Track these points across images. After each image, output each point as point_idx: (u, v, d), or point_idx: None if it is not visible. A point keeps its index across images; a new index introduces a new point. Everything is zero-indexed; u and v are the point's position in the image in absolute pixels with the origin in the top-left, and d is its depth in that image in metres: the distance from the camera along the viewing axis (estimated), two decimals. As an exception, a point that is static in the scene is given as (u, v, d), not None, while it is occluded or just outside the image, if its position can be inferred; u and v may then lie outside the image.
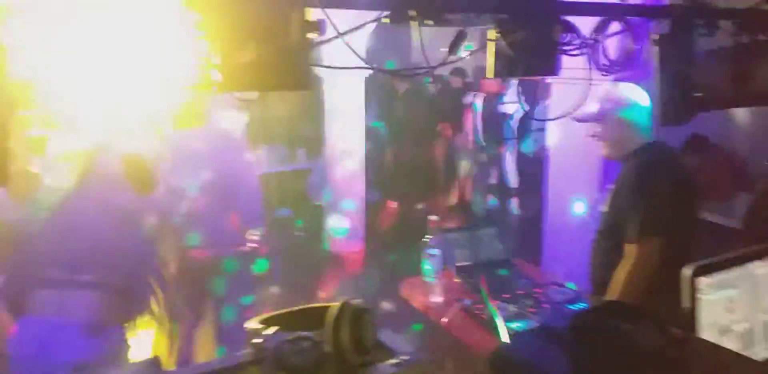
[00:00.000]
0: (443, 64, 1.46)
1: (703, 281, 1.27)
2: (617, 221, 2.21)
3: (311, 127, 6.62)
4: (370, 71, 5.11)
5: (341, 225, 5.61)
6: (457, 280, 2.82)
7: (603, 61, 1.74)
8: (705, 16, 1.88)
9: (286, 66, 1.28)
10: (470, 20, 1.54)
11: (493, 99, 6.65)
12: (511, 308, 2.45)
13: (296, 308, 0.99)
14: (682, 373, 0.91)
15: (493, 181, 7.08)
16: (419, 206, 7.00)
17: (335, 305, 0.91)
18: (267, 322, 0.99)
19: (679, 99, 1.80)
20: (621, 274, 2.13)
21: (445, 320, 2.49)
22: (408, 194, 7.19)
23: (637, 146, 2.23)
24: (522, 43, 1.57)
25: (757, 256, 1.38)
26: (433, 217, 2.84)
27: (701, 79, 1.88)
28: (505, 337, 2.03)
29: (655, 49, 1.88)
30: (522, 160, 6.60)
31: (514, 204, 7.08)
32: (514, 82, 6.66)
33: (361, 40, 5.02)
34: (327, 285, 5.02)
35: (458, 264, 2.91)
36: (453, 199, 7.17)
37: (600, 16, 1.71)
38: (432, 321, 2.65)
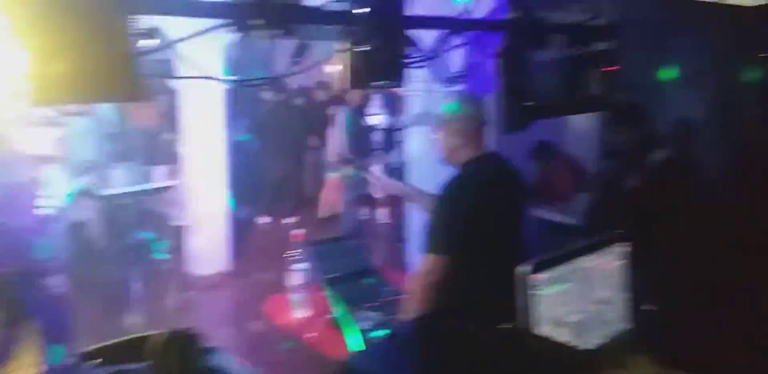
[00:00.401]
0: (287, 74, 1.44)
1: (538, 277, 1.35)
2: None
3: (168, 142, 6.31)
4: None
5: (205, 244, 5.38)
6: (324, 294, 2.79)
7: (445, 73, 1.80)
8: (539, 31, 2.03)
9: (110, 76, 1.19)
10: (321, 32, 1.54)
11: (358, 111, 6.75)
12: (376, 316, 2.47)
13: (122, 339, 0.91)
14: (514, 367, 0.95)
15: (361, 192, 7.17)
16: (289, 220, 6.92)
17: (162, 334, 0.85)
18: (93, 355, 0.90)
19: (517, 108, 1.91)
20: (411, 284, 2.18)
21: (311, 335, 2.46)
22: (278, 209, 7.09)
23: (469, 157, 2.22)
24: (370, 56, 1.59)
25: (587, 251, 1.49)
26: (298, 231, 2.80)
27: (537, 88, 2.01)
28: (356, 348, 2.03)
29: (496, 61, 1.99)
30: (388, 170, 6.76)
31: (382, 214, 7.22)
32: (378, 94, 6.85)
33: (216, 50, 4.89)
34: (189, 309, 4.79)
35: (325, 277, 2.88)
36: (323, 212, 7.17)
37: (441, 29, 1.79)
38: (298, 337, 2.59)
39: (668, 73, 6.07)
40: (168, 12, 1.27)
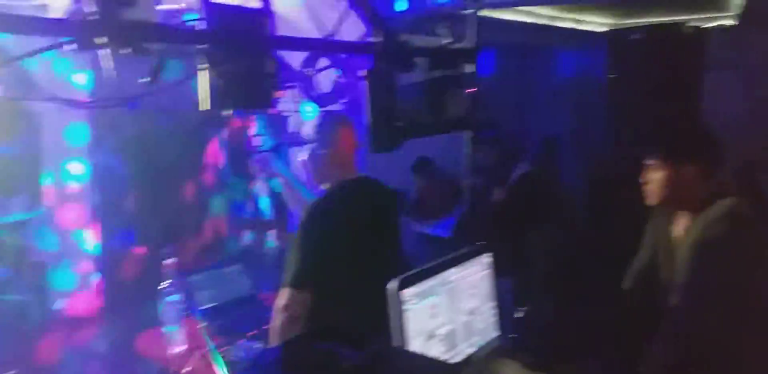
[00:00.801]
0: (141, 95, 1.38)
1: (407, 292, 1.38)
2: None
3: (27, 171, 5.82)
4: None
5: (72, 281, 4.97)
6: (201, 325, 2.68)
7: (314, 93, 1.82)
8: (403, 54, 2.10)
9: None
10: (176, 50, 1.49)
11: (240, 133, 6.62)
12: (257, 345, 2.41)
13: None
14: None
15: (248, 215, 7.00)
16: (165, 250, 6.58)
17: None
18: None
19: (384, 129, 1.96)
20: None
21: (186, 370, 2.34)
22: (155, 238, 6.72)
23: (338, 180, 2.22)
24: (232, 76, 1.57)
25: (453, 263, 1.55)
26: (170, 260, 2.68)
27: (404, 110, 2.08)
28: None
29: (365, 83, 2.04)
30: (275, 192, 6.66)
31: (271, 237, 7.07)
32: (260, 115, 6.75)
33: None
34: (51, 353, 4.39)
35: (201, 307, 2.76)
36: (206, 239, 6.90)
37: (308, 51, 1.80)
38: (175, 373, 2.46)
39: (529, 93, 6.51)
40: (10, 30, 1.18)
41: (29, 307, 5.08)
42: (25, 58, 1.19)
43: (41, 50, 1.19)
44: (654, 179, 1.92)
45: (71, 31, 1.23)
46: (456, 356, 1.53)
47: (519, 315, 1.84)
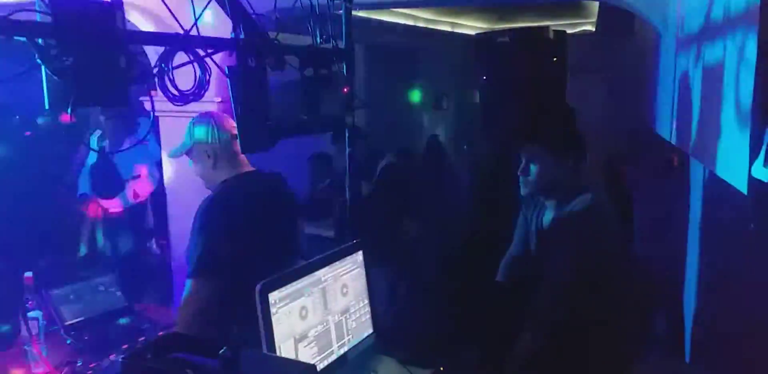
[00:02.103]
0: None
1: (274, 295, 1.33)
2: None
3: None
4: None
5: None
6: (68, 341, 2.49)
7: (172, 90, 1.72)
8: (270, 51, 2.04)
9: None
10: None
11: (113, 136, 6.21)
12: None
13: None
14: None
15: (124, 223, 6.60)
16: (34, 262, 6.08)
17: None
18: None
19: (255, 128, 1.90)
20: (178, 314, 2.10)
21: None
22: (14, 252, 6.18)
23: (225, 177, 2.18)
24: (74, 72, 1.44)
25: (323, 263, 1.52)
26: (28, 274, 2.45)
27: (275, 109, 2.03)
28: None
29: (230, 81, 1.96)
30: (157, 198, 6.33)
31: (154, 245, 6.73)
32: (144, 118, 6.39)
33: None
34: None
35: (67, 322, 2.56)
36: (83, 250, 6.44)
37: (164, 46, 1.70)
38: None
39: (408, 94, 6.65)
40: None
41: None
42: None
43: None
44: (533, 171, 2.03)
45: None
46: (329, 357, 1.50)
47: (391, 311, 1.85)
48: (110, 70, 1.56)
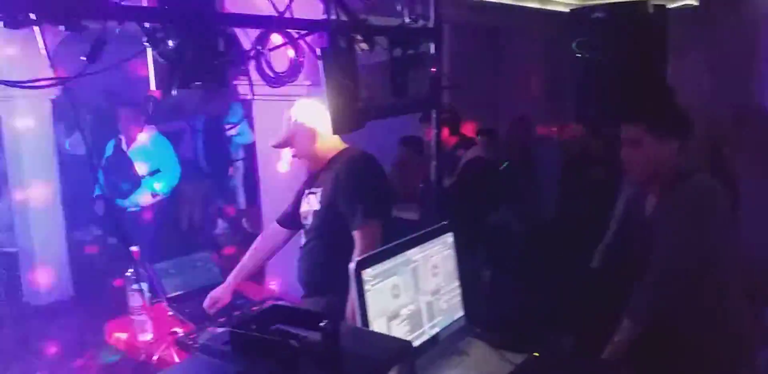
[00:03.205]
0: (81, 75, 1.31)
1: (367, 273, 1.35)
2: (330, 217, 2.29)
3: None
4: (57, 92, 4.56)
5: (42, 272, 4.88)
6: (169, 313, 2.64)
7: (269, 72, 1.76)
8: (362, 32, 2.05)
9: None
10: (114, 29, 1.41)
11: (214, 119, 6.49)
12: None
13: None
14: (334, 365, 0.93)
15: (223, 203, 6.93)
16: (141, 237, 6.49)
17: None
18: None
19: (345, 109, 1.91)
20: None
21: (155, 358, 2.30)
22: (123, 226, 6.61)
23: (332, 154, 2.32)
24: (177, 54, 1.50)
25: (414, 244, 1.52)
26: (134, 248, 2.61)
27: (364, 90, 2.03)
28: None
29: (322, 62, 1.98)
30: (249, 179, 6.59)
31: (245, 224, 7.01)
32: (237, 103, 6.64)
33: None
34: (25, 342, 4.32)
35: (169, 295, 2.71)
36: (182, 226, 6.83)
37: (260, 28, 1.74)
38: (144, 361, 2.42)
39: (495, 74, 6.46)
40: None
41: (4, 298, 5.01)
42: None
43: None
44: (635, 155, 1.92)
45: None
46: (421, 336, 1.51)
47: (485, 294, 1.83)
48: (210, 52, 1.61)
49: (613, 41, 2.69)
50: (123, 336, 2.51)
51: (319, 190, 2.40)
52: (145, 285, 2.51)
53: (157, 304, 2.62)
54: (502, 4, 5.49)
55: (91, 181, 4.99)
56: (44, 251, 4.86)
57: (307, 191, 2.47)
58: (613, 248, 2.14)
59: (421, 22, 2.33)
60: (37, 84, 1.30)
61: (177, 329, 2.42)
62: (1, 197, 5.22)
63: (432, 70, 2.28)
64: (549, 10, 6.20)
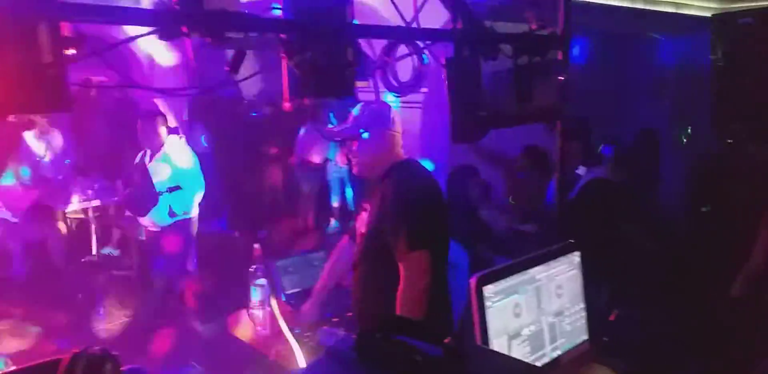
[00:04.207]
0: (222, 83, 1.39)
1: (488, 289, 1.31)
2: (376, 244, 2.16)
3: (130, 155, 6.17)
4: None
5: (170, 259, 5.25)
6: (285, 309, 2.73)
7: (393, 82, 1.77)
8: (486, 41, 2.01)
9: (36, 86, 1.14)
10: (253, 40, 1.49)
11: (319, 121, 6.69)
12: (340, 332, 2.41)
13: (26, 366, 0.84)
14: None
15: (335, 203, 7.11)
16: (258, 234, 6.81)
17: (66, 357, 0.78)
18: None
19: (467, 118, 1.89)
20: (400, 295, 2.07)
21: (273, 352, 2.39)
22: (243, 222, 6.97)
23: (389, 165, 2.16)
24: (311, 64, 1.55)
25: (538, 261, 1.46)
26: (257, 245, 2.73)
27: (488, 99, 1.99)
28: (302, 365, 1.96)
29: (446, 71, 1.97)
30: (360, 181, 6.71)
31: (359, 224, 7.12)
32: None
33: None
34: (154, 326, 4.65)
35: (287, 292, 2.81)
36: (298, 224, 7.09)
37: (387, 38, 1.76)
38: (261, 354, 2.53)
39: (624, 82, 6.14)
40: (94, 19, 1.21)
41: (139, 281, 5.44)
42: (118, 46, 1.22)
43: (131, 39, 1.22)
44: None
45: (154, 20, 1.26)
46: (541, 358, 1.44)
47: (611, 318, 1.72)
48: (340, 62, 1.65)
49: (759, 47, 2.47)
50: (243, 328, 2.64)
51: (369, 208, 2.29)
52: (265, 281, 2.62)
53: (275, 300, 2.72)
54: (633, 9, 5.22)
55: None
56: (174, 240, 5.22)
57: (365, 204, 2.36)
58: (759, 276, 1.94)
59: (548, 29, 2.25)
60: (183, 92, 1.40)
61: (293, 326, 2.50)
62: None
63: (560, 78, 2.19)
64: (684, 14, 5.81)
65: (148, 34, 1.24)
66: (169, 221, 4.27)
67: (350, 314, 2.57)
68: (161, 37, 1.25)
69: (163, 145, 4.20)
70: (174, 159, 4.22)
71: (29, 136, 5.44)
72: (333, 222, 7.05)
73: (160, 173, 4.18)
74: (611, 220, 2.74)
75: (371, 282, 2.23)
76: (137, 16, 1.25)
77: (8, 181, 5.09)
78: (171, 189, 4.12)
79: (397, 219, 2.06)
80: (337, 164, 6.82)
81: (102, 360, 0.78)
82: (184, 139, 4.39)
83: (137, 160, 4.40)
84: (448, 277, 2.29)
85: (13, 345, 3.99)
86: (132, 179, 4.26)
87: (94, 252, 5.86)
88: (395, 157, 2.19)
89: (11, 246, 5.24)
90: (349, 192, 6.92)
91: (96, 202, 5.60)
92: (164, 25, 1.24)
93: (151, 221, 4.26)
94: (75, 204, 5.45)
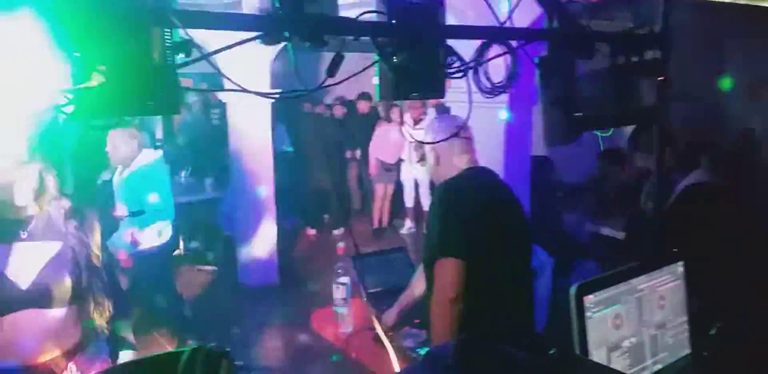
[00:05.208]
0: (320, 87, 1.41)
1: (589, 299, 1.26)
2: (428, 246, 2.15)
3: (217, 154, 6.43)
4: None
5: (254, 255, 5.43)
6: (368, 308, 2.76)
7: (485, 83, 1.74)
8: (582, 39, 1.95)
9: (148, 89, 1.20)
10: (349, 43, 1.50)
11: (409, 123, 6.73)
12: (423, 334, 2.41)
13: (145, 357, 0.88)
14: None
15: (409, 204, 7.13)
16: (336, 232, 6.93)
17: (186, 351, 0.82)
18: (118, 372, 0.88)
19: (562, 120, 1.83)
20: (431, 303, 2.07)
21: (356, 350, 2.42)
22: (323, 220, 7.11)
23: (458, 171, 2.20)
24: (405, 66, 1.55)
25: (639, 272, 1.40)
26: (341, 244, 2.78)
27: (583, 99, 1.93)
28: (396, 369, 1.97)
29: (539, 71, 1.92)
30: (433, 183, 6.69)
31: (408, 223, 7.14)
32: (431, 108, 6.82)
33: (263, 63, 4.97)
34: (238, 320, 4.82)
35: (369, 291, 2.84)
36: (373, 224, 7.17)
37: (481, 39, 1.73)
38: (344, 352, 2.56)
39: (725, 83, 5.79)
40: (202, 25, 1.26)
41: (220, 276, 5.66)
42: (220, 52, 1.26)
43: (233, 45, 1.26)
44: None
45: (258, 26, 1.29)
46: (642, 372, 1.38)
47: (713, 331, 1.62)
48: (432, 63, 1.64)
49: None
50: (326, 325, 2.69)
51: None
52: (347, 280, 2.66)
53: (356, 299, 2.75)
54: (733, 4, 4.91)
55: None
56: (258, 237, 5.40)
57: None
58: None
59: (647, 28, 2.15)
60: (291, 95, 1.43)
61: (375, 325, 2.52)
62: (225, 187, 5.91)
63: (660, 78, 2.09)
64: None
65: (253, 39, 1.28)
66: (132, 251, 3.59)
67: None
68: (264, 42, 1.29)
69: (133, 159, 3.66)
70: (144, 176, 3.64)
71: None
72: (407, 222, 7.07)
73: (124, 193, 3.67)
74: (714, 226, 2.59)
75: (428, 290, 2.21)
76: (243, 22, 1.29)
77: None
78: (134, 214, 3.55)
79: (432, 223, 2.09)
80: (412, 164, 6.84)
81: (219, 355, 0.81)
82: (161, 154, 3.88)
83: (105, 176, 4.02)
84: (528, 285, 2.26)
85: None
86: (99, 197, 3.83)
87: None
88: (465, 163, 2.22)
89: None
90: (423, 194, 6.92)
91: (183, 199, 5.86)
92: (268, 30, 1.28)
93: (114, 248, 3.47)
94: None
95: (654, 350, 1.42)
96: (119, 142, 3.58)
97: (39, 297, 1.67)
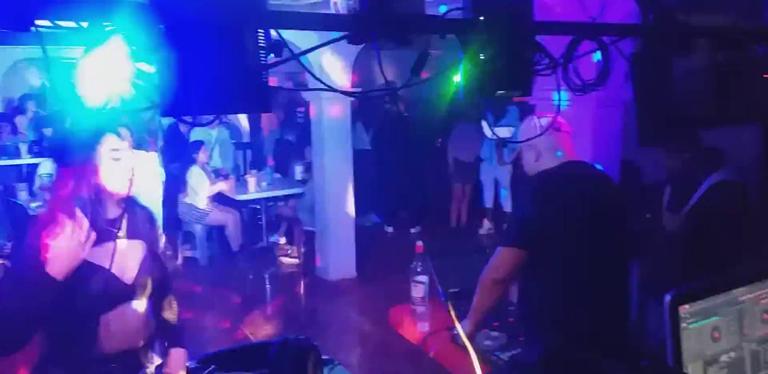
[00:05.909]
0: (406, 85, 1.41)
1: (685, 309, 1.19)
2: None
3: (300, 151, 6.59)
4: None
5: (332, 250, 5.54)
6: (446, 308, 2.74)
7: (575, 80, 1.69)
8: (681, 35, 1.85)
9: (241, 88, 1.24)
10: (434, 41, 1.49)
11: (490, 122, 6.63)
12: (501, 337, 2.38)
13: (238, 346, 0.91)
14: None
15: (488, 204, 7.02)
16: (413, 230, 6.94)
17: (275, 343, 0.84)
18: (207, 362, 0.92)
19: (656, 119, 1.75)
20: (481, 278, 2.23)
21: (433, 350, 2.41)
22: (401, 218, 7.14)
23: (556, 165, 2.21)
24: (494, 64, 1.52)
25: (741, 282, 1.31)
26: (419, 242, 2.77)
27: (679, 98, 1.83)
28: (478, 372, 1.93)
29: (632, 68, 1.84)
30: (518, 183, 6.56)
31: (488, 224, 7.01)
32: (513, 106, 6.69)
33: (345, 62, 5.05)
34: (316, 313, 4.93)
35: (446, 291, 2.82)
36: (451, 223, 7.13)
37: (571, 35, 1.67)
38: (421, 350, 2.57)
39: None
40: (292, 25, 1.29)
41: (301, 270, 5.82)
42: (309, 52, 1.29)
43: (322, 45, 1.28)
44: None
45: (345, 25, 1.31)
46: (740, 389, 1.30)
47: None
48: (521, 60, 1.60)
49: None
50: (404, 323, 2.70)
51: None
52: (425, 278, 2.66)
53: (436, 298, 2.74)
54: None
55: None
56: (337, 232, 5.50)
57: None
58: None
59: (751, 21, 2.01)
60: (376, 94, 1.44)
61: (453, 325, 2.50)
62: (306, 182, 6.06)
63: (765, 75, 1.95)
64: None
65: (340, 39, 1.29)
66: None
67: (511, 319, 2.52)
68: (351, 42, 1.31)
69: None
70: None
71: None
72: (486, 223, 6.95)
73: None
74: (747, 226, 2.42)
75: (526, 290, 2.28)
76: (331, 22, 1.31)
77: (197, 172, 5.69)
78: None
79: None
80: (492, 163, 6.72)
81: (308, 348, 0.83)
82: (156, 156, 4.11)
83: None
84: (622, 286, 2.19)
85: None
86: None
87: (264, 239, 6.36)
88: (566, 157, 2.21)
89: (198, 230, 5.85)
90: (503, 194, 6.78)
91: (268, 193, 6.07)
92: (355, 29, 1.29)
93: None
94: (251, 194, 5.96)
95: (756, 366, 1.32)
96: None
97: (136, 291, 1.78)
